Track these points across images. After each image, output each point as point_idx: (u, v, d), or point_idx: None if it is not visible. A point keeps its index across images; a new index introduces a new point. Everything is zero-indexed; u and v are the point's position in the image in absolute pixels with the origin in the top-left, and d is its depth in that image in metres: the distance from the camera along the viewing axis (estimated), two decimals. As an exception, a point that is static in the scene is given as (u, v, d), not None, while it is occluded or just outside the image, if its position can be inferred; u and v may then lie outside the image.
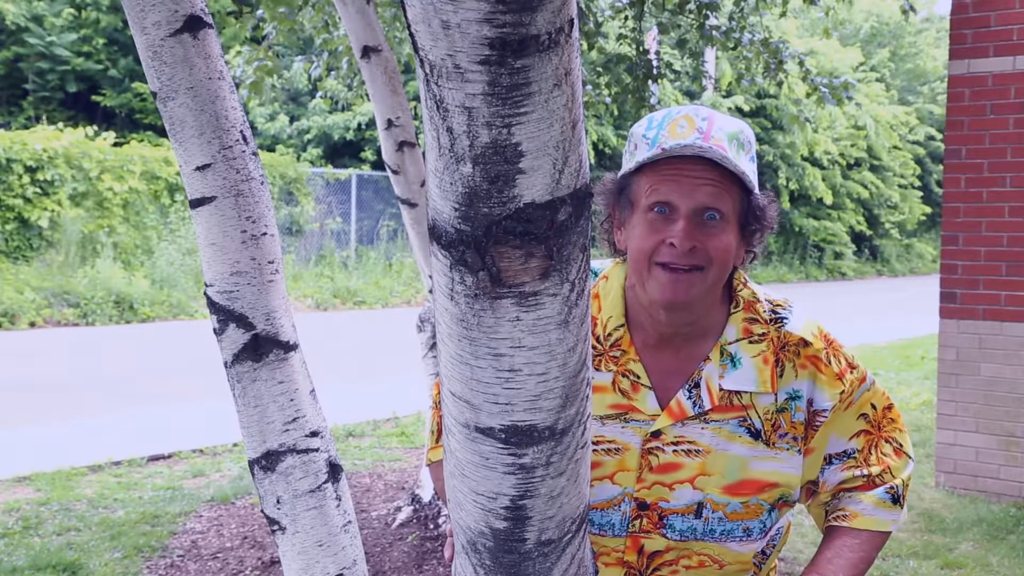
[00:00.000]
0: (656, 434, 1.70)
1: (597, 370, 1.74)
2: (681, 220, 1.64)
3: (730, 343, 1.73)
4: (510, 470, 1.25)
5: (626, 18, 7.27)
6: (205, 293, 1.81)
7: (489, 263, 1.14)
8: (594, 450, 1.70)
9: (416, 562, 4.94)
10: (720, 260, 1.66)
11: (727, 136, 1.65)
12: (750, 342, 1.73)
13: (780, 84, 7.52)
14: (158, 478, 6.59)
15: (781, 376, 1.73)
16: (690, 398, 1.71)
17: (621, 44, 7.43)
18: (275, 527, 1.78)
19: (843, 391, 1.75)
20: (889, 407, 1.86)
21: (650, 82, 7.32)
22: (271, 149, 22.31)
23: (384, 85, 4.58)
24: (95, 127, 18.28)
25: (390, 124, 4.63)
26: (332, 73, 7.80)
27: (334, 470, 1.80)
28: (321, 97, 9.66)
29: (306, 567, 1.75)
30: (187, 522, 5.61)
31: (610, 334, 1.75)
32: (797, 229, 29.14)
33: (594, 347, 1.74)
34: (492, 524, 1.30)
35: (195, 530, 5.48)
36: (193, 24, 1.70)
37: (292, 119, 23.79)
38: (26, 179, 15.50)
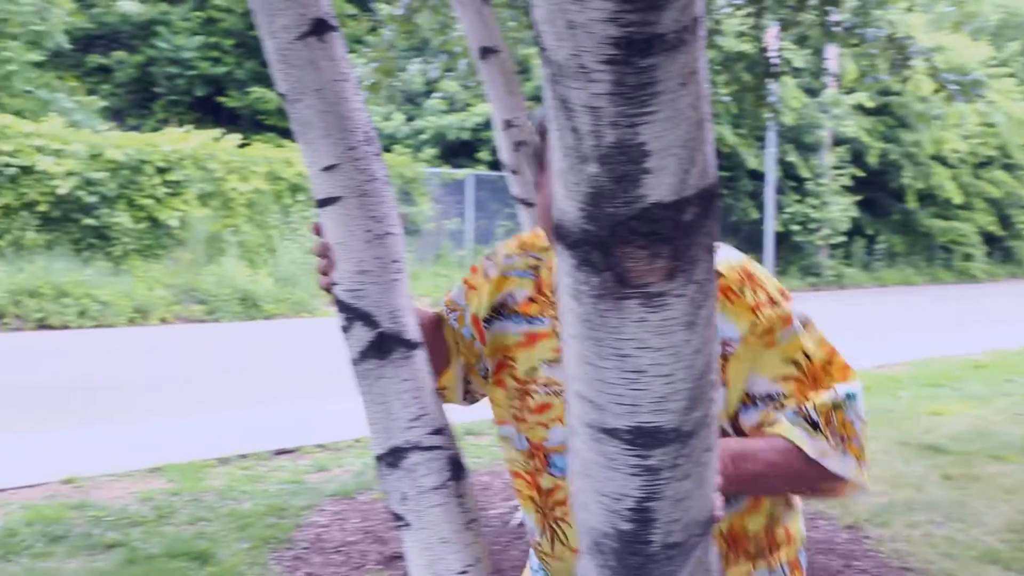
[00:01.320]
0: None
1: (544, 317, 1.85)
2: None
3: None
4: (635, 471, 1.25)
5: (746, 15, 7.17)
6: (332, 291, 1.85)
7: (614, 263, 1.14)
8: (545, 391, 1.82)
9: (533, 561, 4.94)
10: None
11: None
12: None
13: (906, 81, 7.32)
14: (283, 472, 6.74)
15: None
16: None
17: (741, 42, 7.33)
18: (400, 523, 1.80)
19: (754, 322, 1.73)
20: (830, 361, 1.81)
21: (769, 79, 7.21)
22: (387, 149, 22.62)
23: (501, 86, 4.60)
24: (221, 129, 18.82)
25: (508, 124, 4.65)
26: (449, 74, 7.87)
27: (457, 468, 1.81)
28: (438, 98, 9.73)
29: (430, 563, 1.77)
30: (311, 515, 5.73)
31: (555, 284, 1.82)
32: (923, 230, 28.36)
33: (546, 298, 1.85)
34: (617, 525, 1.29)
35: (318, 523, 5.59)
36: (320, 27, 1.74)
37: (408, 119, 24.10)
38: (157, 180, 16.04)
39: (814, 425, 1.75)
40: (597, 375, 1.22)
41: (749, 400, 1.76)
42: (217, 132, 17.85)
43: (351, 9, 20.87)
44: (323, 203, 1.81)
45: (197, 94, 22.94)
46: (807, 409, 1.75)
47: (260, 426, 8.00)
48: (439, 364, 2.01)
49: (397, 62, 6.99)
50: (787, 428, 1.74)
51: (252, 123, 23.12)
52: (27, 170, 14.72)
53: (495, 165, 22.60)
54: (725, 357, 1.73)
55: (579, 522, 1.38)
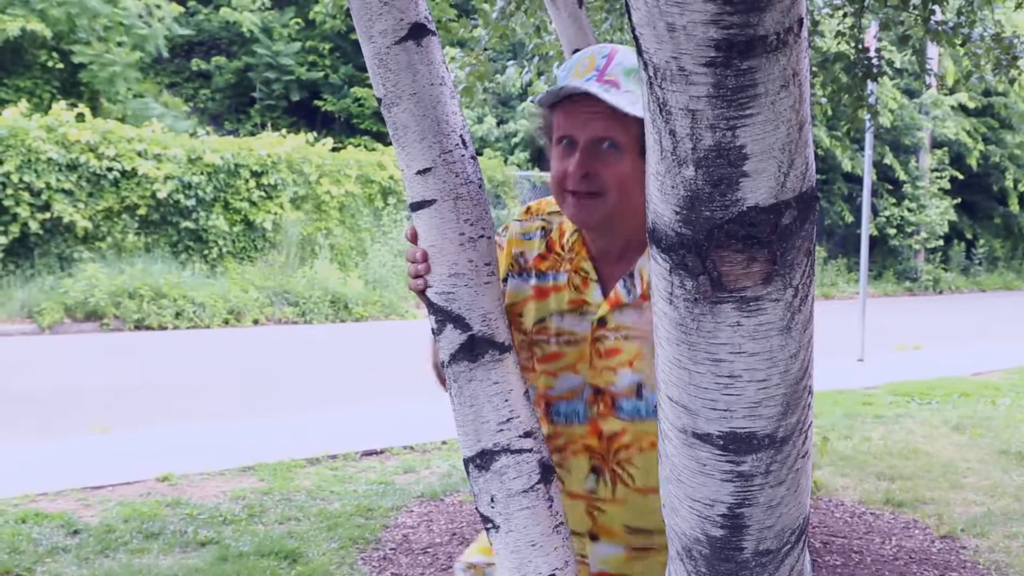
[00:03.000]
0: (602, 322, 1.92)
1: (558, 272, 1.98)
2: (578, 151, 1.84)
3: None
4: (728, 477, 1.23)
5: (844, 15, 7.05)
6: (424, 294, 1.86)
7: (710, 267, 1.13)
8: (556, 341, 1.94)
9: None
10: (617, 186, 1.83)
11: (623, 71, 1.83)
12: None
13: (1012, 81, 7.11)
14: (371, 472, 6.81)
15: None
16: (625, 286, 1.91)
17: (839, 42, 7.20)
18: (488, 525, 1.81)
19: None
20: None
21: (868, 80, 7.07)
22: (479, 152, 22.75)
23: (595, 89, 4.59)
24: (315, 132, 19.09)
25: (600, 127, 4.64)
26: (543, 77, 7.87)
27: (546, 471, 1.81)
28: (531, 101, 9.75)
29: (519, 566, 1.77)
30: (398, 516, 5.78)
31: (569, 240, 1.99)
32: (1027, 234, 27.62)
33: (558, 255, 1.99)
34: (708, 531, 1.28)
35: (406, 524, 5.64)
36: (417, 32, 1.75)
37: (500, 122, 24.19)
38: (252, 183, 16.33)
39: None
40: (690, 379, 1.22)
41: None
42: (311, 136, 18.12)
43: (451, 13, 21.07)
44: (417, 206, 1.82)
45: (293, 98, 23.34)
46: None
47: (349, 427, 8.10)
48: None
49: (492, 65, 7.01)
50: None
51: (346, 127, 23.44)
52: (128, 174, 15.12)
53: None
54: None
55: (669, 527, 1.37)
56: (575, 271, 1.96)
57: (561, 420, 1.95)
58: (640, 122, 1.75)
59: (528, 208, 2.08)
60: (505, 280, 2.03)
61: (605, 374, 1.90)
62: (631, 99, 1.79)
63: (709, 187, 1.09)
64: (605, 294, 1.92)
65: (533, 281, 1.99)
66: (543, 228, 2.03)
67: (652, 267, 1.22)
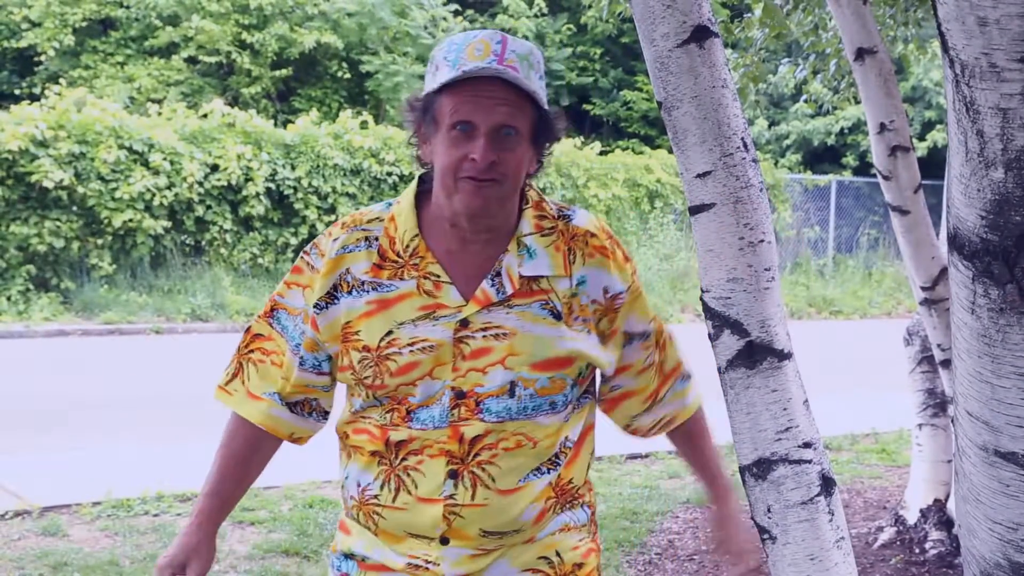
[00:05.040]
0: (464, 323, 1.85)
1: (401, 280, 1.88)
2: (481, 138, 1.78)
3: (525, 235, 1.89)
4: (1035, 501, 1.16)
5: None
6: (701, 299, 1.85)
7: (1019, 275, 1.07)
8: (410, 351, 1.84)
9: (897, 586, 4.71)
10: (515, 172, 1.82)
11: (519, 58, 1.81)
12: (542, 235, 1.91)
13: None
14: (636, 476, 6.81)
15: (573, 262, 1.90)
16: (493, 286, 1.86)
17: None
18: (764, 536, 1.77)
19: (633, 272, 1.96)
20: None
21: None
22: (750, 156, 22.33)
23: (878, 88, 4.41)
24: (583, 136, 19.32)
25: (883, 128, 4.45)
26: (818, 76, 7.65)
27: (827, 483, 1.76)
28: (805, 101, 9.49)
29: (797, 580, 1.73)
30: (664, 521, 5.75)
31: (407, 246, 1.89)
32: None
33: (395, 262, 1.89)
34: (1011, 557, 1.20)
35: (671, 530, 5.60)
36: (700, 34, 1.74)
37: (770, 124, 23.68)
38: (522, 187, 16.73)
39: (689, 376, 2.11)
40: (993, 394, 1.15)
41: (626, 338, 1.98)
42: (579, 140, 18.36)
43: (725, 14, 20.85)
44: (696, 210, 1.81)
45: (563, 103, 23.68)
46: (687, 369, 2.09)
47: (613, 428, 8.13)
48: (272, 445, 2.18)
49: (766, 67, 6.88)
50: (692, 406, 2.10)
51: (614, 130, 23.58)
52: (406, 178, 15.81)
53: (860, 171, 21.78)
54: (616, 310, 1.93)
55: (965, 548, 1.30)
56: (423, 276, 1.87)
57: (416, 426, 1.86)
58: (537, 108, 1.82)
59: (344, 223, 1.96)
60: (329, 304, 1.91)
61: (472, 375, 1.84)
62: (529, 86, 1.80)
63: (1021, 190, 1.02)
64: (465, 295, 1.86)
65: (370, 295, 1.88)
66: (366, 238, 1.92)
67: (952, 275, 1.16)
